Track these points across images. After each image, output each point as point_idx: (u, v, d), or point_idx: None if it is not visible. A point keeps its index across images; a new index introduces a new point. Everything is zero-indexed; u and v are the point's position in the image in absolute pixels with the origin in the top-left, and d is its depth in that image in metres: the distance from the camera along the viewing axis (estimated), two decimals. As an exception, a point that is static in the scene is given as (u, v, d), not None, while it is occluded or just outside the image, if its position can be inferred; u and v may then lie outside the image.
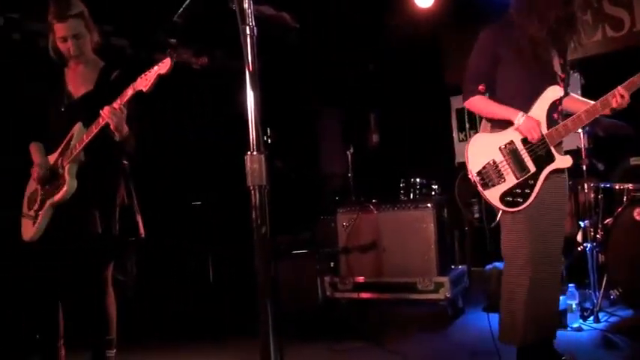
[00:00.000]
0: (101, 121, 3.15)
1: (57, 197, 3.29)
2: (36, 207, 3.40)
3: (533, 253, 3.13)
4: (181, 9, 2.18)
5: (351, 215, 5.21)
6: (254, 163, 2.11)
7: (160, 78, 2.97)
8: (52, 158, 3.42)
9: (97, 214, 3.27)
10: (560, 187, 3.26)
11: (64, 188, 3.26)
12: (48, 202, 3.33)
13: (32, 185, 3.50)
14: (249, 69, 2.13)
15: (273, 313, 2.07)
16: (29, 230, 3.40)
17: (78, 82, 3.43)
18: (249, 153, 2.13)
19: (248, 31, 2.15)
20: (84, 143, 3.22)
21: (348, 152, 5.78)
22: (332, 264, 5.33)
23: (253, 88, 2.13)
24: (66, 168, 3.28)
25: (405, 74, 7.38)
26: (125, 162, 3.48)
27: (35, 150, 3.52)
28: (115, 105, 3.11)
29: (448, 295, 4.77)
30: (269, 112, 2.18)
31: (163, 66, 2.96)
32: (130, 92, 3.07)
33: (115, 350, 3.44)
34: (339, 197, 5.95)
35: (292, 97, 6.94)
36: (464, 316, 5.02)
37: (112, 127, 3.13)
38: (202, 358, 4.51)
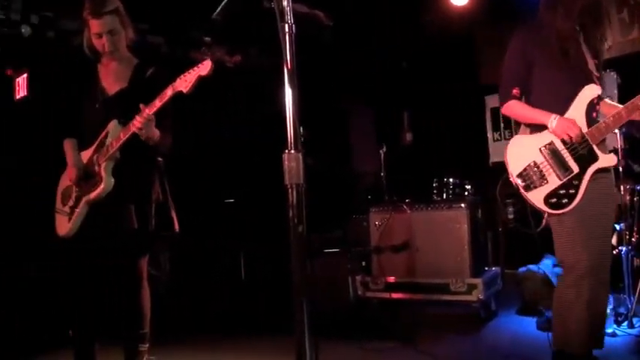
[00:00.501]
0: (132, 129, 3.17)
1: (93, 195, 3.31)
2: (71, 203, 3.43)
3: (592, 259, 3.01)
4: (220, 7, 2.18)
5: (384, 214, 5.19)
6: (291, 161, 2.10)
7: (200, 79, 2.98)
8: (85, 155, 3.45)
9: (133, 210, 3.30)
10: (606, 188, 3.15)
11: (101, 186, 3.28)
12: (84, 200, 3.36)
13: (65, 181, 3.53)
14: (287, 67, 2.12)
15: (309, 312, 2.07)
16: (64, 226, 3.44)
17: (112, 79, 3.45)
18: (286, 151, 2.12)
19: (287, 29, 2.15)
20: (121, 142, 3.24)
21: (380, 151, 5.77)
22: (363, 263, 5.32)
23: (292, 86, 2.12)
24: (102, 166, 3.30)
25: (439, 72, 7.34)
26: (159, 159, 3.52)
27: (69, 147, 3.54)
28: (145, 114, 3.10)
29: (481, 297, 4.72)
30: (302, 110, 2.18)
31: (204, 67, 2.96)
32: (169, 93, 3.07)
33: (147, 344, 3.47)
34: (372, 196, 5.94)
35: (325, 96, 6.94)
36: (496, 319, 4.97)
37: (142, 137, 3.16)
38: (234, 354, 4.53)
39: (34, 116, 5.08)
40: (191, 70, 3.00)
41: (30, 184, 4.85)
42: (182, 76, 3.03)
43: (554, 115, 3.07)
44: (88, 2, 3.29)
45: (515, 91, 3.21)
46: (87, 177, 3.39)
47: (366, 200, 5.75)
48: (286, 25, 2.15)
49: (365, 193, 6.65)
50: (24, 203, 4.91)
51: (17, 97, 5.31)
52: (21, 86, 5.27)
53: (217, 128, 6.58)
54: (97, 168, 3.33)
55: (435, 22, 6.93)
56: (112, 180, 3.30)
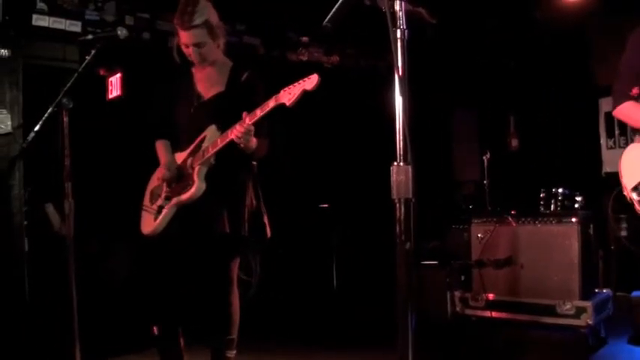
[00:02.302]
0: (231, 137, 3.24)
1: (184, 197, 3.41)
2: (160, 202, 3.55)
3: None
4: (331, 13, 2.20)
5: (487, 227, 5.09)
6: (400, 174, 2.09)
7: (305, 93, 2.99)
8: (180, 157, 3.56)
9: (226, 215, 3.39)
10: None
11: (193, 190, 3.37)
12: (174, 200, 3.46)
13: (155, 180, 3.65)
14: (398, 74, 2.12)
15: (414, 331, 2.08)
16: (150, 224, 3.55)
17: (207, 83, 3.55)
18: (395, 164, 2.11)
19: (399, 35, 2.16)
20: (217, 148, 3.31)
21: (484, 157, 5.70)
22: (463, 278, 5.26)
23: (402, 94, 2.12)
24: (196, 170, 3.39)
25: (549, 73, 7.17)
26: (254, 162, 3.59)
27: (163, 148, 3.67)
28: (245, 124, 3.15)
29: (590, 322, 4.54)
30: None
31: (310, 82, 2.97)
32: (271, 104, 3.10)
33: (235, 351, 3.53)
34: (473, 206, 5.87)
35: (426, 97, 6.90)
36: (606, 347, 4.80)
37: (240, 145, 3.23)
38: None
39: (127, 116, 5.30)
40: (296, 84, 3.01)
41: (121, 182, 5.06)
42: (287, 88, 3.04)
43: None
44: (178, 12, 3.35)
45: (634, 91, 3.09)
46: (179, 178, 3.50)
47: (468, 210, 5.67)
48: (398, 31, 2.16)
49: (466, 202, 6.58)
50: (116, 202, 5.12)
51: (110, 96, 5.53)
52: (114, 86, 5.49)
53: (312, 133, 6.66)
54: (190, 171, 3.43)
55: (546, 18, 6.77)
56: (204, 185, 3.39)
